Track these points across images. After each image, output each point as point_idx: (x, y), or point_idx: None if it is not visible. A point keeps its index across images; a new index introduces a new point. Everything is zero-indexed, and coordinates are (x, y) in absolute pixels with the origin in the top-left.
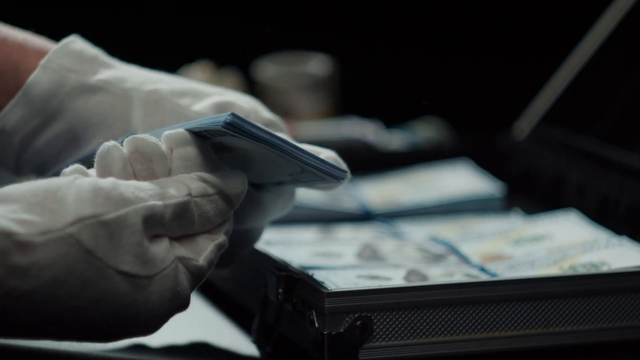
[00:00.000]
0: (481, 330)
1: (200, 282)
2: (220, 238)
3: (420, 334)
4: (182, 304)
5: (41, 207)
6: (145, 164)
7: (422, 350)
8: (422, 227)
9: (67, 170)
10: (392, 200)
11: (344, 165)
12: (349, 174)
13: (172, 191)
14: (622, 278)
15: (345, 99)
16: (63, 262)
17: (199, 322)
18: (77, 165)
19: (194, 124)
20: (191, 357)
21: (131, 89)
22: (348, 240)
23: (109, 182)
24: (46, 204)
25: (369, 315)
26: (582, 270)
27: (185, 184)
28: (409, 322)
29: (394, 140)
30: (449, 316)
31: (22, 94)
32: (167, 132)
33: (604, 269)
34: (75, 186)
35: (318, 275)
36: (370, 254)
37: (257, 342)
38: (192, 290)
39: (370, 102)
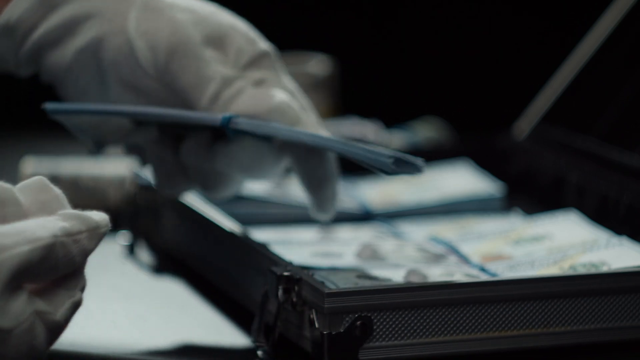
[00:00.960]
0: (481, 330)
1: (56, 339)
2: (77, 296)
3: (420, 334)
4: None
5: None
6: None
7: (422, 350)
8: (422, 227)
9: None
10: (392, 200)
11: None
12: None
13: (38, 232)
14: (622, 278)
15: (345, 99)
16: None
17: (199, 322)
18: None
19: (353, 150)
20: (191, 357)
21: None
22: (348, 240)
23: None
24: None
25: (369, 315)
26: (582, 270)
27: (49, 226)
28: (409, 322)
29: (394, 140)
30: (449, 316)
31: None
32: (22, 183)
33: (604, 269)
34: None
35: (318, 275)
36: (370, 254)
37: (257, 342)
38: (48, 346)
39: (370, 102)
